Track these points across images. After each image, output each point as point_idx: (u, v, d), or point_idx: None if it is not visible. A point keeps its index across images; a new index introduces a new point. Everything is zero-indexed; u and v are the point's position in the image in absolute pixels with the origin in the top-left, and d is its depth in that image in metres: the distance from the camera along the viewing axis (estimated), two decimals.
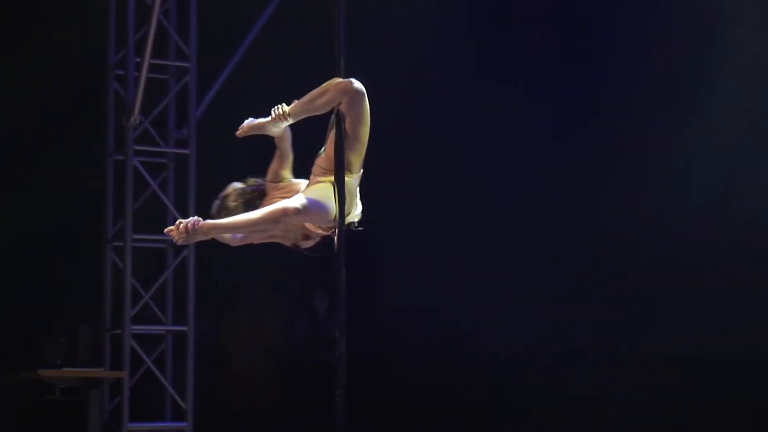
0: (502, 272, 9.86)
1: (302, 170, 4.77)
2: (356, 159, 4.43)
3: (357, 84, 4.34)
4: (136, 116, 8.37)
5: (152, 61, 8.32)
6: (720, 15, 8.84)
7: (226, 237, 4.57)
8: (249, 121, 4.74)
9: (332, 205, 4.28)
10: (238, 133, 4.74)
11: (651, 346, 9.05)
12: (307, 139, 4.77)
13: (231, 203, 4.60)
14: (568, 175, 9.70)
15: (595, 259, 9.55)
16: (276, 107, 4.63)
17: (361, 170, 4.50)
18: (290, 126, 4.67)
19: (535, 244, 9.78)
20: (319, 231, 4.48)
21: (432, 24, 9.63)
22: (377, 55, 8.56)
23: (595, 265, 9.51)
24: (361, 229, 4.49)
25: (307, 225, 4.46)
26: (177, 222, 4.30)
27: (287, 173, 4.79)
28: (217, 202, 4.66)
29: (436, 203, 10.17)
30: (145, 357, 8.50)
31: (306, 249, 4.57)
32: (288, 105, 4.59)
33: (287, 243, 4.61)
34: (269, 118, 4.64)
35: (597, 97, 9.60)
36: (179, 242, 4.34)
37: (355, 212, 4.51)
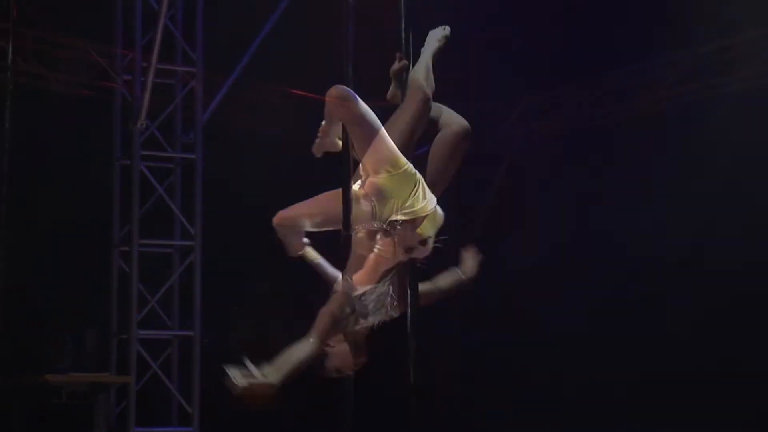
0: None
1: None
2: (370, 161, 3.95)
3: (337, 90, 4.09)
4: (143, 121, 8.38)
5: (159, 66, 8.33)
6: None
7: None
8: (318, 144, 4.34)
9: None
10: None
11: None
12: None
13: None
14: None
15: None
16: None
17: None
18: None
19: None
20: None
21: None
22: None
23: None
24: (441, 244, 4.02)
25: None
26: None
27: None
28: None
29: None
30: (151, 362, 8.51)
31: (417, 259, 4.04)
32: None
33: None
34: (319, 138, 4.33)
35: None
36: None
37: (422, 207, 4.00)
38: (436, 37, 4.07)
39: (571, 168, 10.00)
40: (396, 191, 3.93)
